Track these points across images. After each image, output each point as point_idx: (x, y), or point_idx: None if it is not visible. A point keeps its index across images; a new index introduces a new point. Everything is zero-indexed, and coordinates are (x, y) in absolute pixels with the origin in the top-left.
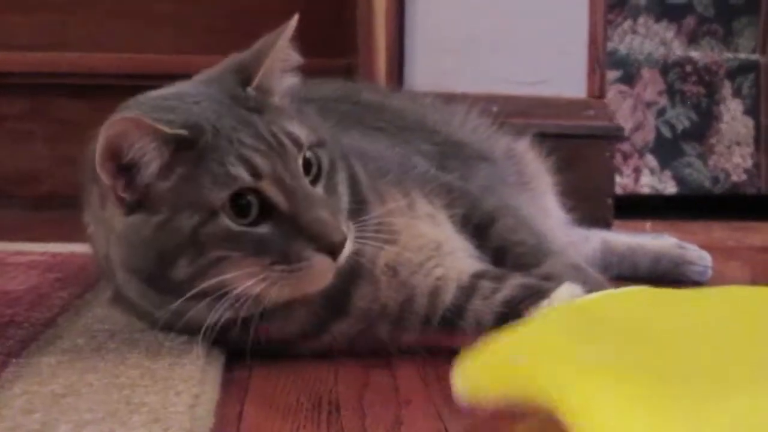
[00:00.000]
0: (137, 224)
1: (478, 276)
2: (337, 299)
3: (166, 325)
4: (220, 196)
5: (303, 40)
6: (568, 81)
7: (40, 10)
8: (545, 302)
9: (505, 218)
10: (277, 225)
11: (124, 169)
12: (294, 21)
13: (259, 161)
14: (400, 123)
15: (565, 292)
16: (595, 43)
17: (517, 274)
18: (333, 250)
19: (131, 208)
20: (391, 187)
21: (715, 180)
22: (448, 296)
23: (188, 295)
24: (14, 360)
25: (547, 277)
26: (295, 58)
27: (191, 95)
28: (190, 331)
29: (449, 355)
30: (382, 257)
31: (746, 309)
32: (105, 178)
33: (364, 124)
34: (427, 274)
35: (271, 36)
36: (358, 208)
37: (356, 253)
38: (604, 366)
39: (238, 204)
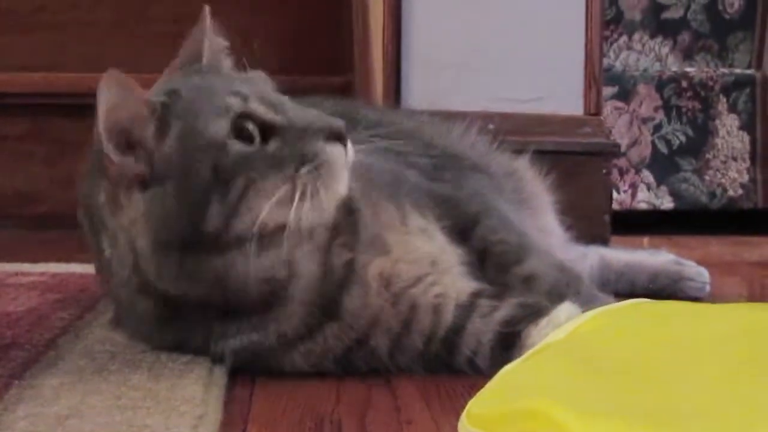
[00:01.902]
0: (158, 194)
1: (476, 295)
2: (328, 302)
3: (205, 299)
4: (222, 126)
5: (300, 58)
6: (565, 98)
7: (38, 30)
8: (544, 321)
9: (487, 219)
10: (282, 138)
11: (129, 149)
12: (206, 11)
13: (241, 88)
14: (396, 137)
15: (564, 312)
16: (591, 60)
17: (515, 292)
18: (340, 136)
19: (146, 186)
20: (384, 199)
21: (712, 195)
22: (449, 315)
23: (228, 239)
24: (16, 382)
25: (530, 277)
26: (222, 41)
27: (161, 81)
28: (235, 295)
29: (450, 374)
30: (374, 266)
31: (747, 330)
32: (114, 157)
33: (359, 139)
34: (425, 291)
35: (196, 28)
36: (351, 219)
37: (348, 263)
38: (604, 407)
39: (241, 134)
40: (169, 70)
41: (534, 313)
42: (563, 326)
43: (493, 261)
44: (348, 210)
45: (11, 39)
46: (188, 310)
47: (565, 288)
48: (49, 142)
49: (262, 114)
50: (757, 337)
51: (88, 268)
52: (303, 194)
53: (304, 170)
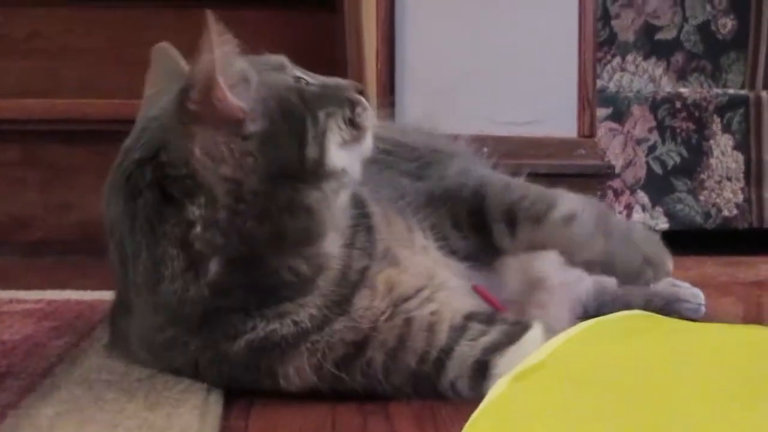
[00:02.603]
0: (264, 131)
1: (469, 317)
2: (341, 298)
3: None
4: (288, 77)
5: None
6: (559, 121)
7: (32, 56)
8: (513, 348)
9: (490, 187)
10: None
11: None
12: (211, 16)
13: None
14: (381, 146)
15: (531, 340)
16: (584, 82)
17: (505, 317)
18: (363, 91)
19: (244, 129)
20: (393, 212)
21: (707, 215)
22: (443, 335)
23: (323, 171)
24: (12, 411)
25: (569, 217)
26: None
27: None
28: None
29: (438, 398)
30: (383, 274)
31: (744, 350)
32: (228, 95)
33: None
34: (421, 306)
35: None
36: (366, 223)
37: (364, 269)
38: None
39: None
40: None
41: (509, 341)
42: (546, 344)
43: (525, 216)
44: (363, 213)
45: (5, 64)
46: (232, 296)
47: (604, 217)
48: (43, 168)
49: (305, 75)
50: (753, 359)
51: (84, 295)
52: (361, 131)
53: (359, 109)
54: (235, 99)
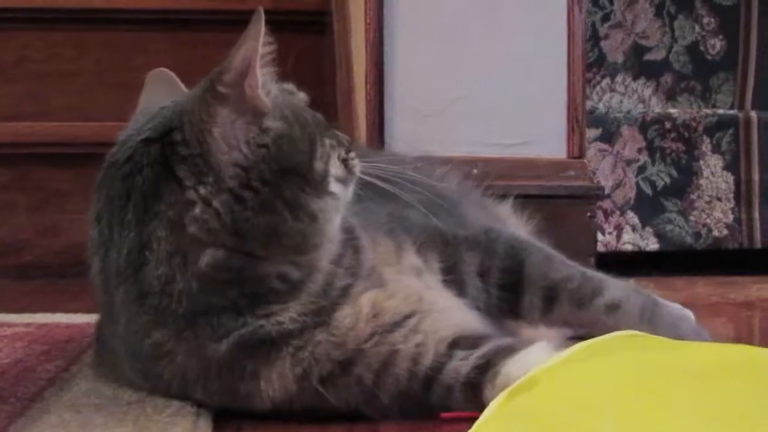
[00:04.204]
0: (279, 127)
1: (454, 345)
2: (321, 309)
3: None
4: (300, 99)
5: None
6: (548, 142)
7: (21, 80)
8: (510, 360)
9: (530, 255)
10: None
11: None
12: (261, 12)
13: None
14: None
15: (533, 354)
16: (573, 104)
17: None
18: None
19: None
20: (382, 234)
21: (697, 236)
22: (428, 362)
23: (326, 187)
24: None
25: (613, 306)
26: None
27: None
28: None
29: (435, 420)
30: (368, 294)
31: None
32: (256, 85)
33: None
34: (406, 338)
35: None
36: (355, 243)
37: (346, 287)
38: None
39: None
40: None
41: (505, 354)
42: (547, 360)
43: (568, 298)
44: (351, 237)
45: None
46: (221, 293)
47: (651, 308)
48: (33, 191)
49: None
50: (744, 378)
51: (74, 318)
52: (350, 176)
53: (352, 155)
54: (263, 93)
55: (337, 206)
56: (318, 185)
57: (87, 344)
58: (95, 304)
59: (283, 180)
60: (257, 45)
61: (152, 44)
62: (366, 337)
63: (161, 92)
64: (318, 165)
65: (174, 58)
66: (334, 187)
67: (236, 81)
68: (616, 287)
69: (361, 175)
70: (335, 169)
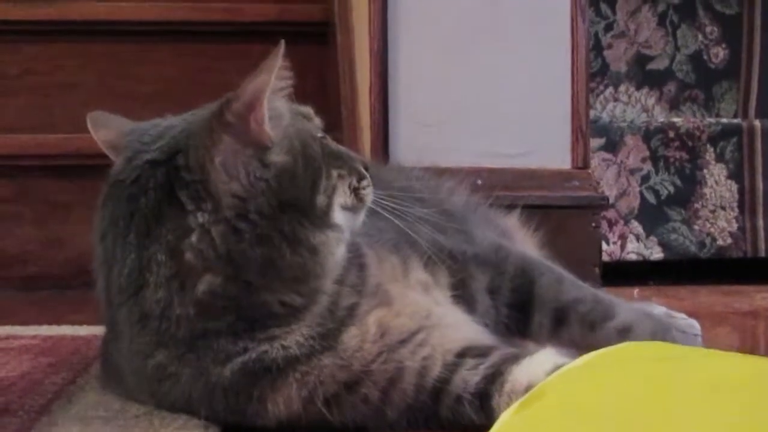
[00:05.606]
0: (286, 161)
1: (462, 354)
2: (328, 332)
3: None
4: (316, 125)
5: None
6: (552, 152)
7: (25, 92)
8: (516, 368)
9: (541, 276)
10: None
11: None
12: (282, 46)
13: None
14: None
15: (541, 361)
16: (577, 114)
17: (501, 347)
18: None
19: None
20: (388, 251)
21: (701, 245)
22: (435, 374)
23: (329, 221)
24: None
25: (625, 330)
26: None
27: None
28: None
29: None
30: (375, 314)
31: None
32: (259, 119)
33: None
34: (413, 353)
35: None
36: (360, 262)
37: (352, 306)
38: None
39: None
40: None
41: (511, 361)
42: (553, 374)
43: (579, 320)
44: (356, 254)
45: None
46: (219, 319)
47: (662, 333)
48: (37, 204)
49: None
50: (752, 389)
51: (80, 330)
52: (360, 204)
53: (365, 183)
54: (268, 127)
55: (340, 238)
56: (319, 219)
57: (93, 356)
58: (100, 316)
59: (283, 214)
60: (269, 79)
61: (154, 55)
62: (372, 357)
63: (114, 126)
64: (320, 199)
65: (176, 69)
66: (338, 218)
67: (243, 112)
68: (627, 311)
69: (372, 206)
70: (343, 198)
